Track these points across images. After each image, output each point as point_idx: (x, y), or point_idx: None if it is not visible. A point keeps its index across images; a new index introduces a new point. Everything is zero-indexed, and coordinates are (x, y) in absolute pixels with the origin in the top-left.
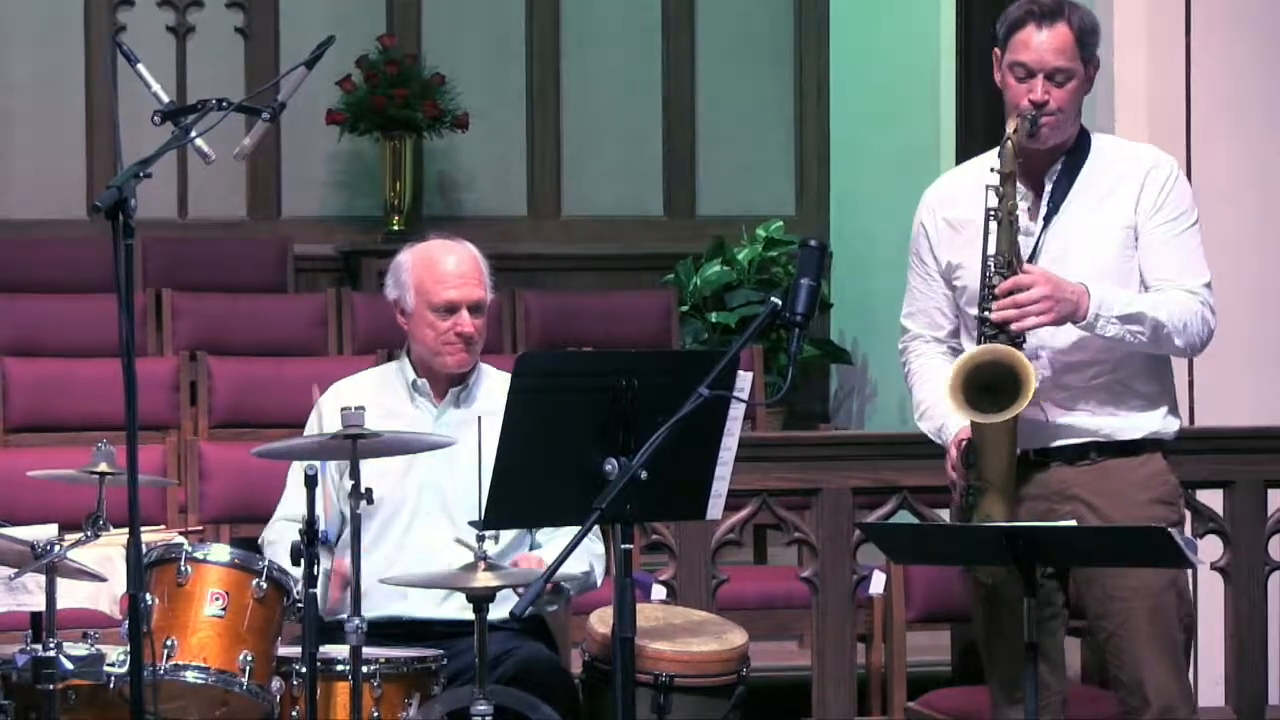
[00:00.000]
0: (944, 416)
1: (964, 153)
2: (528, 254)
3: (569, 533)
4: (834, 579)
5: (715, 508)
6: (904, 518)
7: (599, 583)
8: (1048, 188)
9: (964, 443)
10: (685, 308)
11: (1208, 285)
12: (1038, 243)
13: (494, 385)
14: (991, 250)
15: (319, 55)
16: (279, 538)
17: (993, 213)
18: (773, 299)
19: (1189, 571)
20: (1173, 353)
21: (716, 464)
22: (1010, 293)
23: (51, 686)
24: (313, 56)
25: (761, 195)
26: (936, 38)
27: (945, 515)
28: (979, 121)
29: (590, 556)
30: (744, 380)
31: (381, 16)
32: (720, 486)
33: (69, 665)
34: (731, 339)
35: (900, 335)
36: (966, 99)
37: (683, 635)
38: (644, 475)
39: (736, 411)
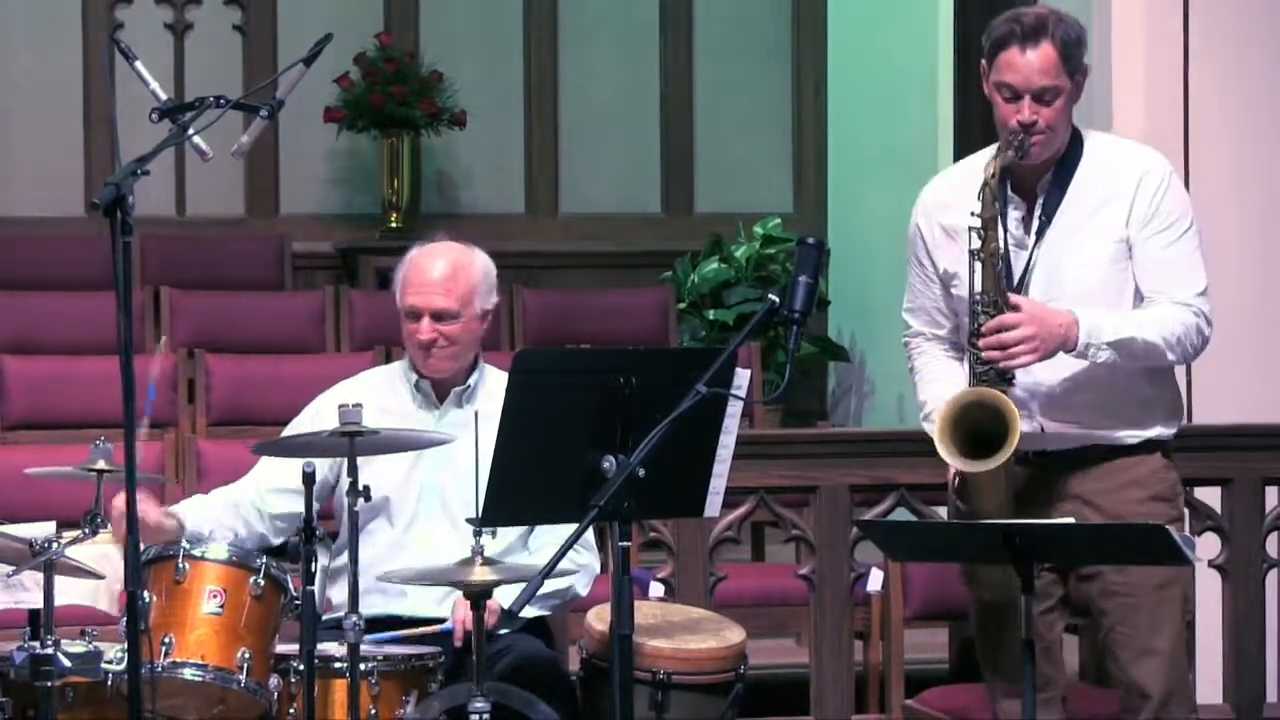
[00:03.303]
0: (939, 447)
1: (962, 150)
2: (525, 251)
3: (564, 535)
4: (832, 576)
5: (713, 505)
6: (902, 515)
7: (583, 593)
8: (1040, 199)
9: (958, 476)
10: (683, 305)
11: (1203, 293)
12: (1030, 257)
13: (496, 384)
14: (977, 288)
15: (317, 53)
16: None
17: (975, 254)
18: (770, 296)
19: (1190, 569)
20: (1166, 366)
21: (714, 461)
22: (996, 331)
23: (49, 684)
24: (311, 54)
25: (759, 193)
26: (935, 35)
27: (943, 513)
28: (976, 119)
29: (573, 566)
30: (742, 377)
31: (379, 14)
32: (718, 484)
33: (67, 663)
34: (729, 336)
35: (902, 328)
36: (964, 97)
37: (681, 633)
38: (642, 473)
39: (734, 409)
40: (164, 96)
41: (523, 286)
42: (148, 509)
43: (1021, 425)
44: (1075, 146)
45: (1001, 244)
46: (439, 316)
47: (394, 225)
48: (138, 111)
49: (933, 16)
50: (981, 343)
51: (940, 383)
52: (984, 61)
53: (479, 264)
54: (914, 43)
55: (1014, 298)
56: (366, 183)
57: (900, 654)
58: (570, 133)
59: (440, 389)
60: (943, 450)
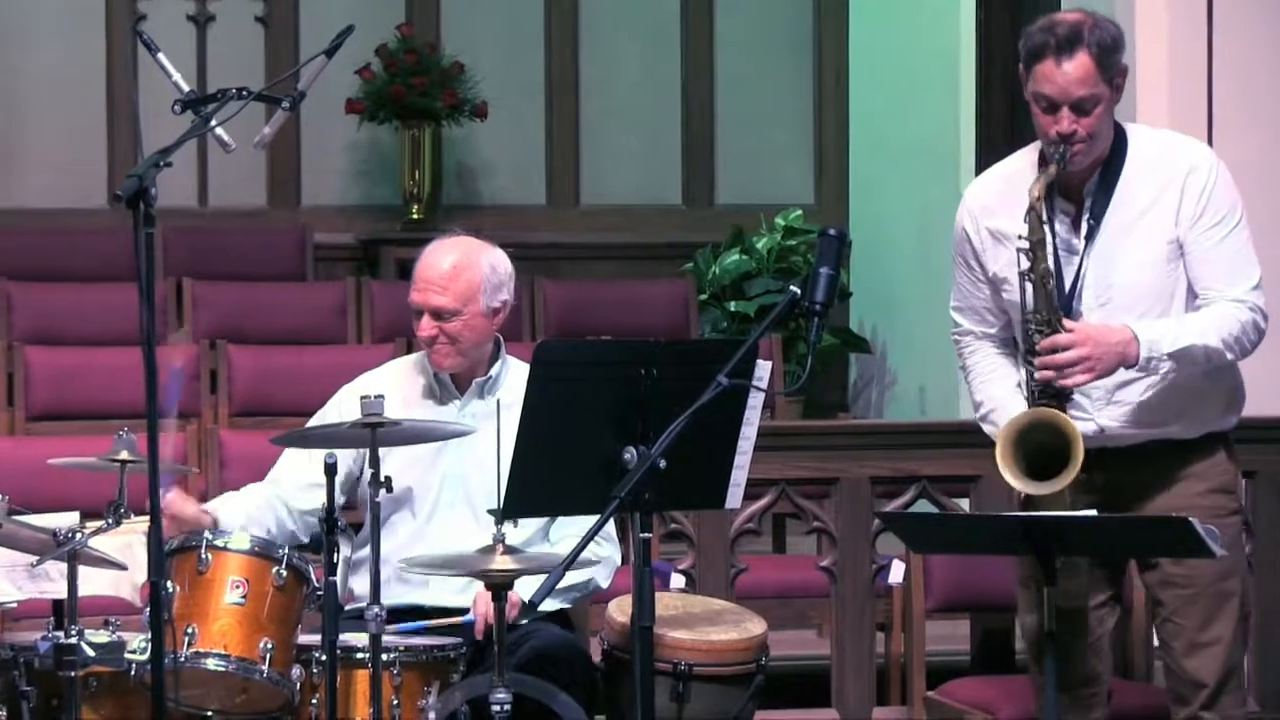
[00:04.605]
0: (1002, 470)
1: (983, 142)
2: (546, 243)
3: (585, 528)
4: (853, 568)
5: (734, 497)
6: (923, 507)
7: (604, 585)
8: (1087, 203)
9: (1023, 494)
10: (704, 296)
11: (1256, 287)
12: (1081, 262)
13: (518, 376)
14: (1030, 308)
15: (338, 44)
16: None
17: (1025, 275)
18: (792, 288)
19: (1247, 562)
20: (1225, 364)
21: (735, 453)
22: (1050, 351)
23: (73, 673)
24: (332, 45)
25: (780, 184)
26: (956, 26)
27: (964, 505)
28: (998, 111)
29: (594, 558)
30: (763, 369)
31: (400, 5)
32: (739, 475)
33: (90, 652)
34: (750, 328)
35: (951, 326)
36: (986, 88)
37: (701, 624)
38: (663, 464)
39: (755, 400)
40: (186, 88)
41: (544, 278)
42: (184, 504)
43: (1081, 428)
44: (1119, 145)
45: (1051, 259)
46: (438, 314)
47: (415, 217)
48: (160, 103)
49: (954, 7)
50: (1037, 362)
51: (996, 381)
52: (1021, 68)
53: (485, 261)
54: (935, 33)
55: (1067, 323)
56: (388, 174)
57: (921, 646)
58: (591, 124)
59: (461, 380)
60: (1006, 473)
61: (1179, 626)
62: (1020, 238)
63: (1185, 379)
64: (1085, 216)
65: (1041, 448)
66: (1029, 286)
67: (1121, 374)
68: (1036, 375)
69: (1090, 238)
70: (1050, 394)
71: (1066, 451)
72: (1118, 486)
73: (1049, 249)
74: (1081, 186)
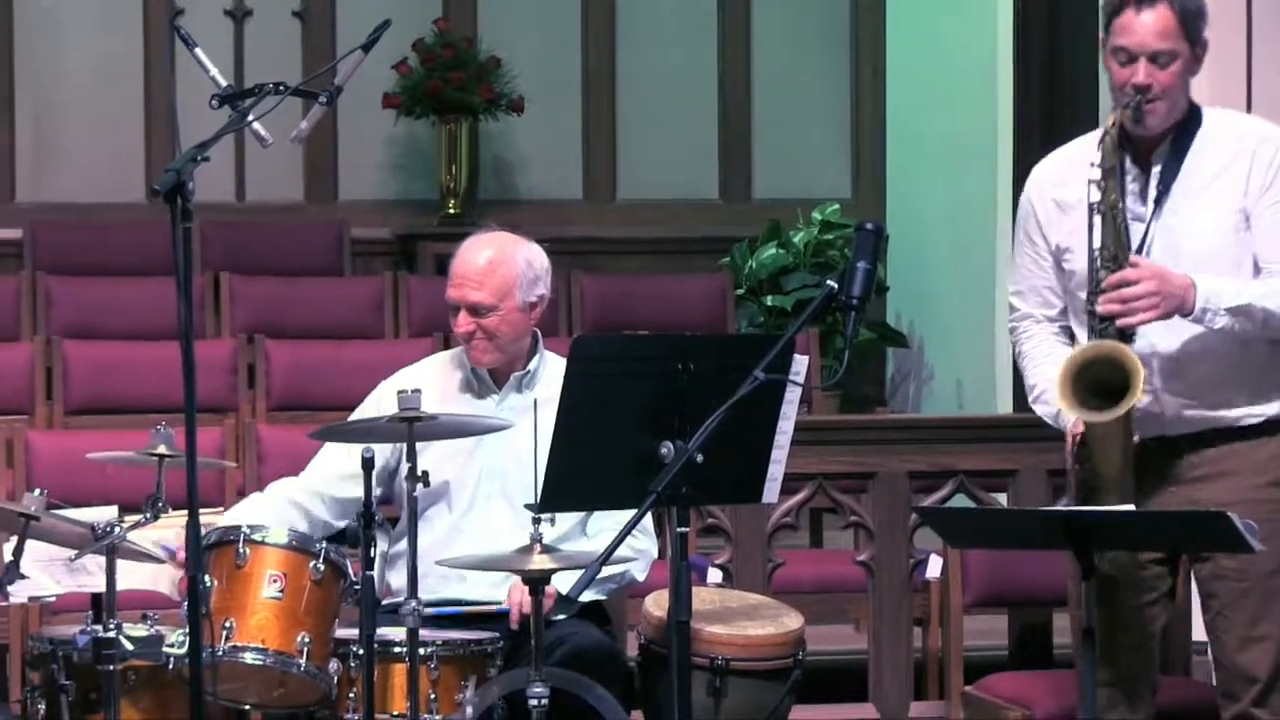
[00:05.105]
0: (1060, 401)
1: (1021, 137)
2: (583, 237)
3: (622, 522)
4: (890, 563)
5: (771, 491)
6: (960, 501)
7: (640, 578)
8: (1156, 169)
9: (1077, 438)
10: (741, 291)
11: None
12: (1148, 228)
13: (556, 371)
14: (1097, 244)
15: (375, 39)
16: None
17: (1096, 207)
18: (829, 282)
19: None
20: None
21: (772, 447)
22: (1117, 286)
23: (112, 667)
24: (369, 40)
25: (817, 178)
26: (994, 20)
27: (1002, 499)
28: (1036, 106)
29: (630, 552)
30: (800, 364)
31: (437, 0)
32: (776, 470)
33: (129, 646)
34: (787, 322)
35: (1009, 313)
36: (1024, 83)
37: (738, 619)
38: (700, 458)
39: (792, 395)
40: (224, 83)
41: (580, 272)
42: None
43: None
44: (1193, 119)
45: (1122, 202)
46: (475, 310)
47: (452, 211)
48: (198, 98)
49: (992, 2)
50: (1102, 299)
51: (1051, 363)
52: (1102, 34)
53: (520, 256)
54: (973, 28)
55: (1134, 258)
56: (425, 169)
57: (959, 640)
58: (628, 118)
59: (499, 375)
60: (1064, 404)
61: (1231, 620)
62: (1092, 165)
63: (1246, 354)
64: (1154, 183)
65: (1100, 385)
66: (1098, 220)
67: (1183, 343)
68: (1100, 308)
69: (1158, 203)
70: (1113, 335)
71: (1126, 385)
72: (1174, 477)
73: (1119, 187)
74: (1151, 154)
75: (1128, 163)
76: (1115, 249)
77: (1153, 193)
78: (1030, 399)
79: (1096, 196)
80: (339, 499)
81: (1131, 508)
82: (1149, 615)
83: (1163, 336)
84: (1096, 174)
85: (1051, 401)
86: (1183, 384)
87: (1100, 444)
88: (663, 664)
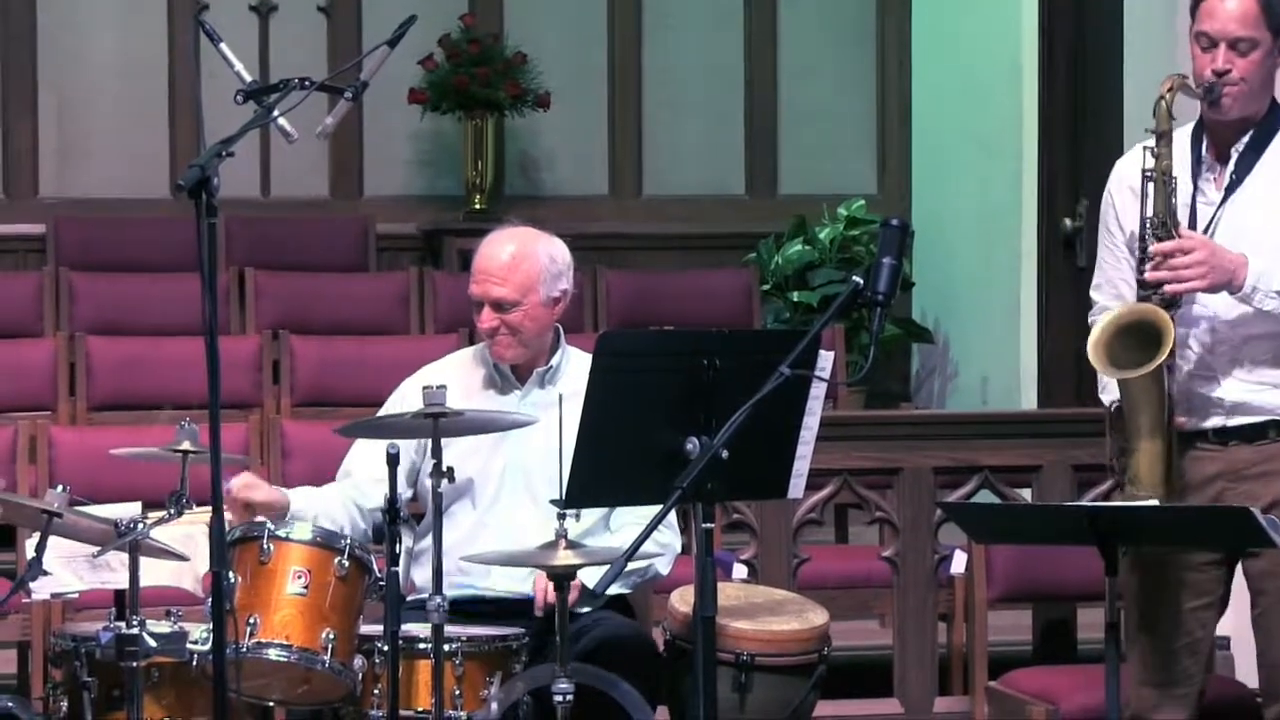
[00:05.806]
0: (1093, 359)
1: (1046, 133)
2: (609, 233)
3: (645, 516)
4: (915, 558)
5: (796, 487)
6: (985, 497)
7: (664, 572)
8: (1233, 159)
9: (1113, 404)
10: (766, 287)
11: None
12: (1215, 215)
13: (579, 366)
14: (1149, 212)
15: (401, 34)
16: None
17: (1148, 173)
18: (854, 278)
19: None
20: None
21: (798, 443)
22: (1168, 255)
23: (135, 664)
24: (395, 36)
25: (843, 174)
26: (1019, 17)
27: (1026, 495)
28: (1061, 101)
29: (655, 547)
30: (825, 359)
31: None
32: (801, 466)
33: (152, 643)
34: (813, 318)
35: (1089, 311)
36: (1049, 79)
37: (764, 614)
38: (725, 454)
39: (818, 391)
40: (249, 78)
41: (606, 268)
42: (252, 491)
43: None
44: (1274, 116)
45: (1187, 211)
46: (498, 305)
47: (478, 207)
48: (222, 93)
49: None
50: (1149, 265)
51: None
52: (1190, 20)
53: (543, 251)
54: (999, 24)
55: (1184, 229)
56: (450, 164)
57: (984, 636)
58: (654, 114)
59: (522, 370)
60: (1097, 363)
61: (1273, 620)
62: (1146, 131)
63: None
64: (1229, 171)
65: (1140, 345)
66: (1150, 187)
67: (1242, 324)
68: (1147, 275)
69: (1229, 190)
70: (1157, 303)
71: (1159, 340)
72: (1235, 474)
73: (1172, 153)
74: (1230, 145)
75: (1204, 153)
76: (1165, 216)
77: (1225, 180)
78: (1100, 390)
79: (1150, 163)
80: (374, 509)
81: (1155, 503)
82: (1202, 619)
83: (1226, 320)
84: (1151, 141)
85: (1113, 390)
86: (1246, 371)
87: (1132, 406)
88: (688, 659)
